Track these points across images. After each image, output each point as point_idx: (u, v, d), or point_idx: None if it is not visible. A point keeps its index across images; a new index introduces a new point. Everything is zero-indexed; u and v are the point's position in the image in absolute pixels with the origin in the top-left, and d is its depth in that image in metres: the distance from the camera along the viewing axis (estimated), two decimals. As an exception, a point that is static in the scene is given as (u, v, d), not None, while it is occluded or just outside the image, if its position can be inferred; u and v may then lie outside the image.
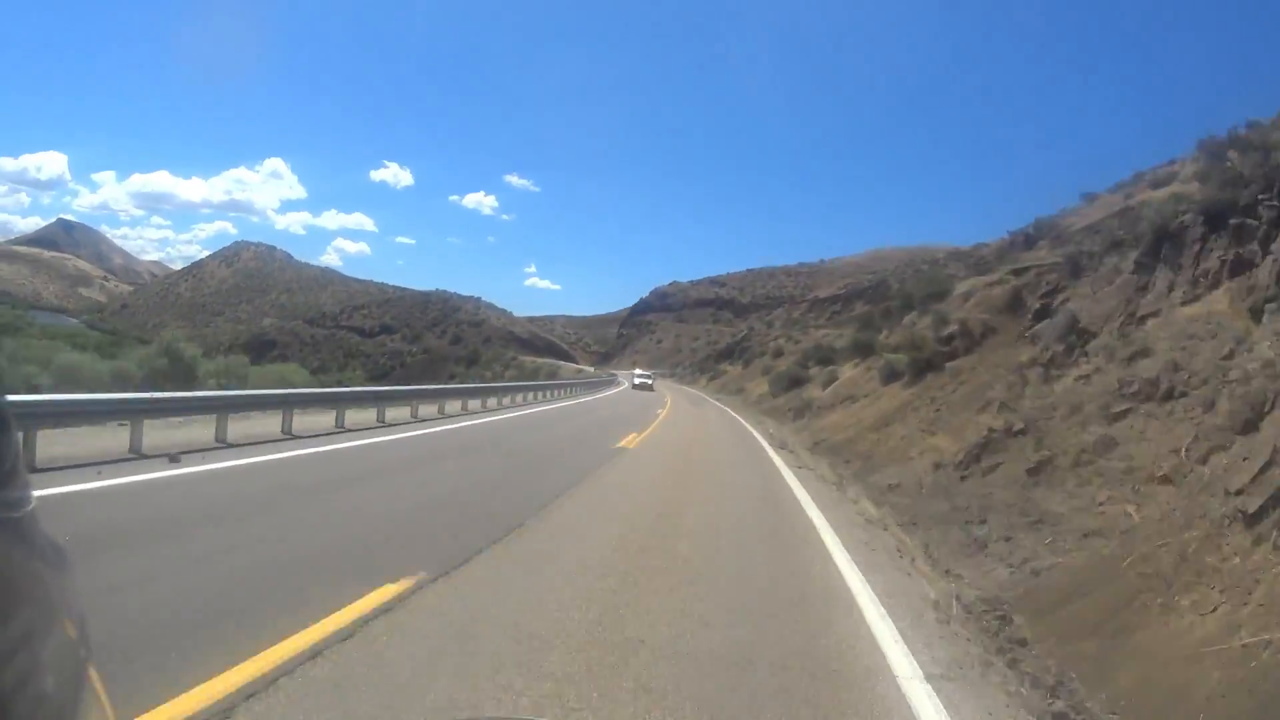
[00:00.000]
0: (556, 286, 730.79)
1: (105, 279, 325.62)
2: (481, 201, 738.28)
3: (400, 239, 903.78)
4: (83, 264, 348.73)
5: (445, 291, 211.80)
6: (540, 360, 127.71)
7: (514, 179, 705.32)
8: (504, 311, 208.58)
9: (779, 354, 64.72)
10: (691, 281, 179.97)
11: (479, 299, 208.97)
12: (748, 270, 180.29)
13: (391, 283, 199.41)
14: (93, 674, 0.86)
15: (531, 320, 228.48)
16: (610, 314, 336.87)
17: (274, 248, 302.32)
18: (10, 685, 0.67)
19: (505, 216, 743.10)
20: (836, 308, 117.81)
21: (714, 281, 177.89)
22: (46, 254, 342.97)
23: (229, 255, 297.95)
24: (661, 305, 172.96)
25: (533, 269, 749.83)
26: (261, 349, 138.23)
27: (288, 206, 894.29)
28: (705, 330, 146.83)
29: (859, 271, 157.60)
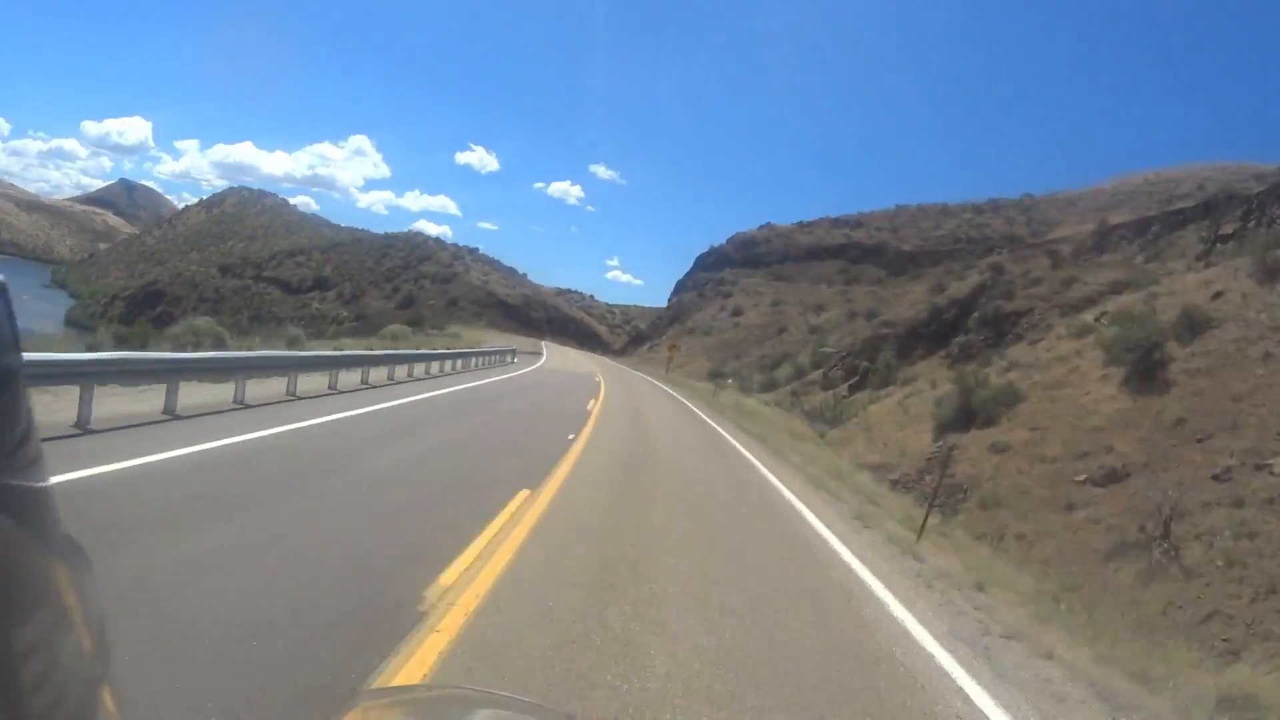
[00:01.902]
0: (639, 281, 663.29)
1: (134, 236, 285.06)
2: (567, 190, 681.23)
3: (483, 224, 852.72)
4: (113, 220, 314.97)
5: (420, 235, 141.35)
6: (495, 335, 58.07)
7: (600, 170, 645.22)
8: (510, 272, 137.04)
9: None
10: (799, 224, 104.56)
11: (469, 250, 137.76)
12: (897, 208, 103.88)
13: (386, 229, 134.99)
14: (106, 685, 0.85)
15: (564, 293, 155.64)
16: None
17: (266, 193, 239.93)
18: (28, 684, 0.67)
19: (589, 208, 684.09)
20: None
21: (840, 222, 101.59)
22: (79, 208, 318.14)
23: (214, 201, 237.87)
24: (746, 258, 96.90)
25: (615, 262, 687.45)
26: (147, 303, 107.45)
27: (371, 185, 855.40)
28: (836, 294, 69.77)
29: (1125, 198, 78.87)
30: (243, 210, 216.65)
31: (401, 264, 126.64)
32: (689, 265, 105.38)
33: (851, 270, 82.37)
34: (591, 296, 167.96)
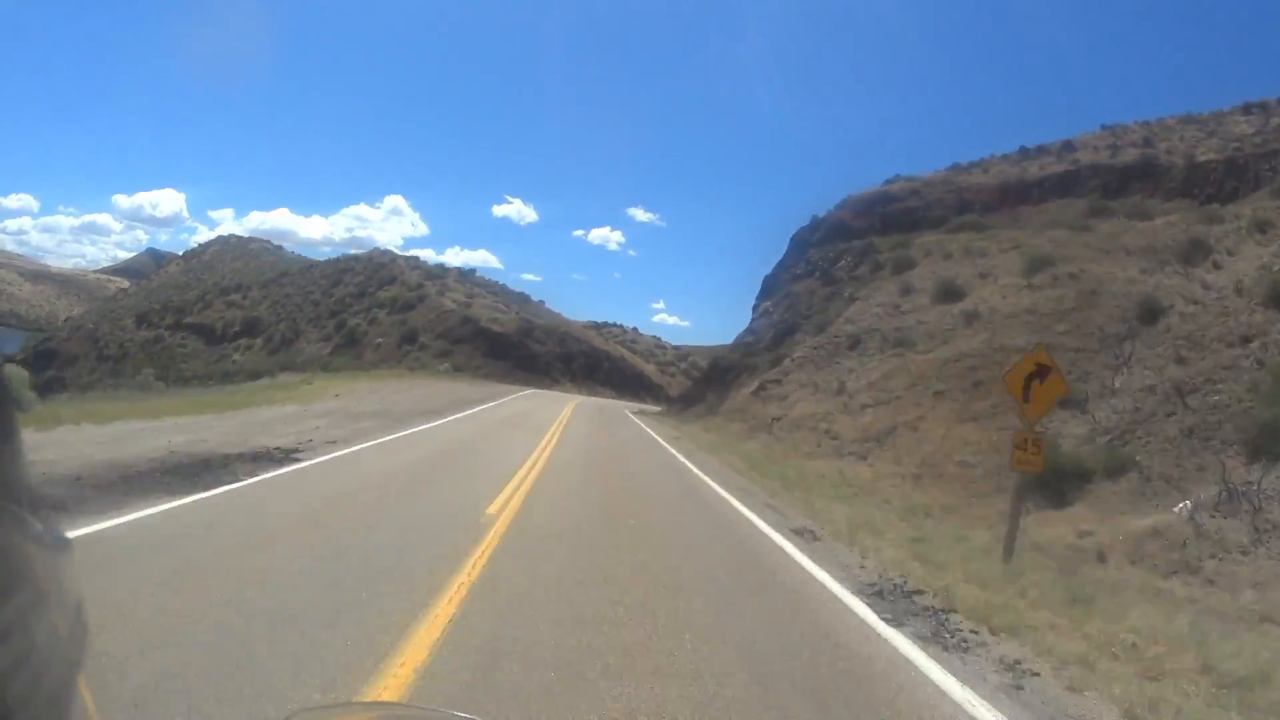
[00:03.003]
0: (685, 323, 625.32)
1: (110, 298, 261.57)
2: (606, 236, 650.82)
3: (526, 275, 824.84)
4: (125, 285, 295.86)
5: (386, 253, 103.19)
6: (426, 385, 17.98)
7: (639, 212, 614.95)
8: (520, 297, 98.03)
9: None
10: (954, 167, 63.62)
11: (458, 270, 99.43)
12: (1104, 128, 62.70)
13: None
14: (81, 674, 0.86)
15: (600, 327, 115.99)
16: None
17: (255, 239, 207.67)
18: (5, 667, 0.66)
19: (631, 252, 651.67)
20: None
21: (1033, 153, 60.69)
22: (91, 276, 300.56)
23: (193, 253, 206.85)
24: (882, 221, 56.13)
25: (660, 304, 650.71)
26: (39, 364, 74.68)
27: (411, 244, 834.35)
28: (1142, 236, 27.90)
29: None
30: (220, 257, 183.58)
31: (356, 292, 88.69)
32: (752, 293, 65.38)
33: (1112, 204, 40.98)
34: (635, 329, 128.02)
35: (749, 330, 56.44)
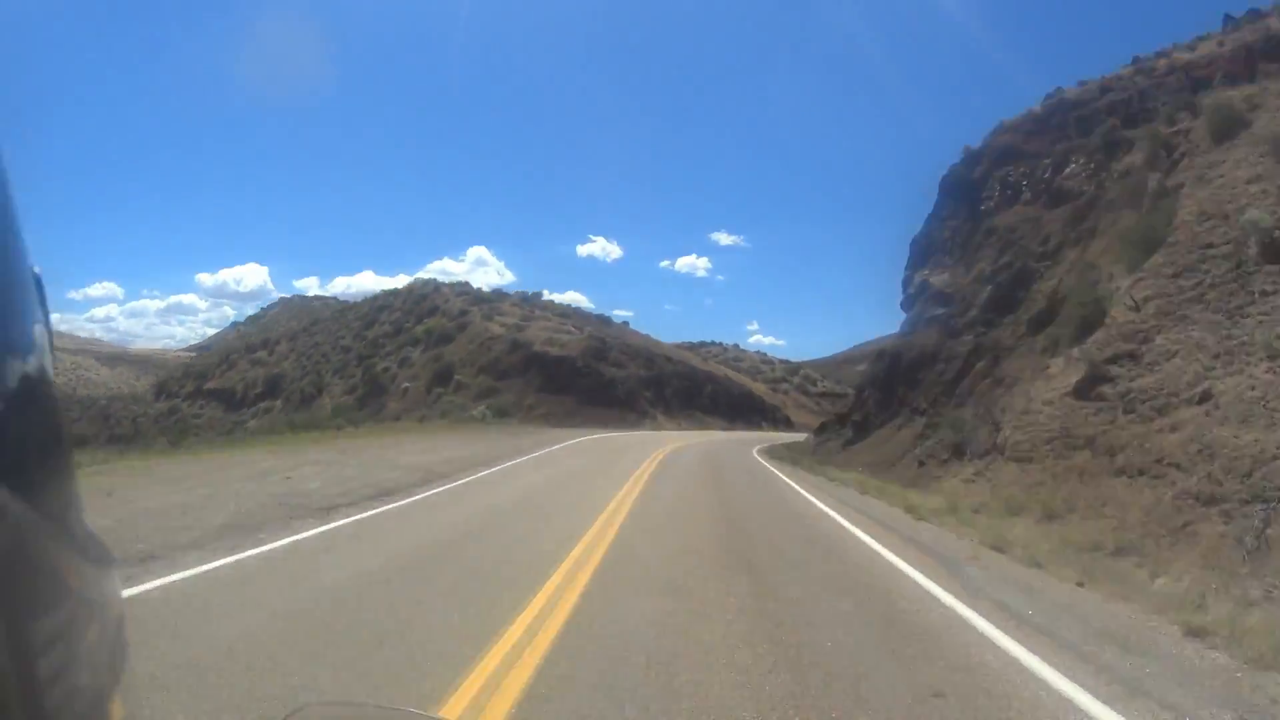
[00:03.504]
0: (781, 342, 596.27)
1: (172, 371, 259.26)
2: (694, 264, 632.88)
3: (618, 312, 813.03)
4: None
5: (431, 283, 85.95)
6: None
7: (722, 236, 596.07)
8: (594, 320, 79.79)
9: None
10: (1172, 48, 44.30)
11: (498, 292, 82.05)
12: None
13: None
14: (120, 684, 0.86)
15: (697, 347, 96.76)
16: (858, 345, 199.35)
17: (321, 298, 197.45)
18: (45, 677, 0.66)
19: (719, 277, 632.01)
20: None
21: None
22: (171, 354, 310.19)
23: (257, 316, 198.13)
24: (1090, 121, 36.00)
25: (754, 326, 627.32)
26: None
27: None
28: None
29: None
30: (278, 319, 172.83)
31: (391, 331, 72.21)
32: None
33: None
34: (736, 346, 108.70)
35: (918, 314, 36.75)
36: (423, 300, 76.50)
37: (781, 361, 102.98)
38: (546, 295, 79.35)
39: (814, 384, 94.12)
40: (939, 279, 37.21)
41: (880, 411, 28.66)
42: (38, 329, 0.72)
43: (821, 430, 38.18)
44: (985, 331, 23.79)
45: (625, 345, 61.02)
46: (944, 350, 26.65)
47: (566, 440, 28.93)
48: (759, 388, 78.85)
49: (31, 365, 0.70)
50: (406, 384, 54.00)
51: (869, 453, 24.86)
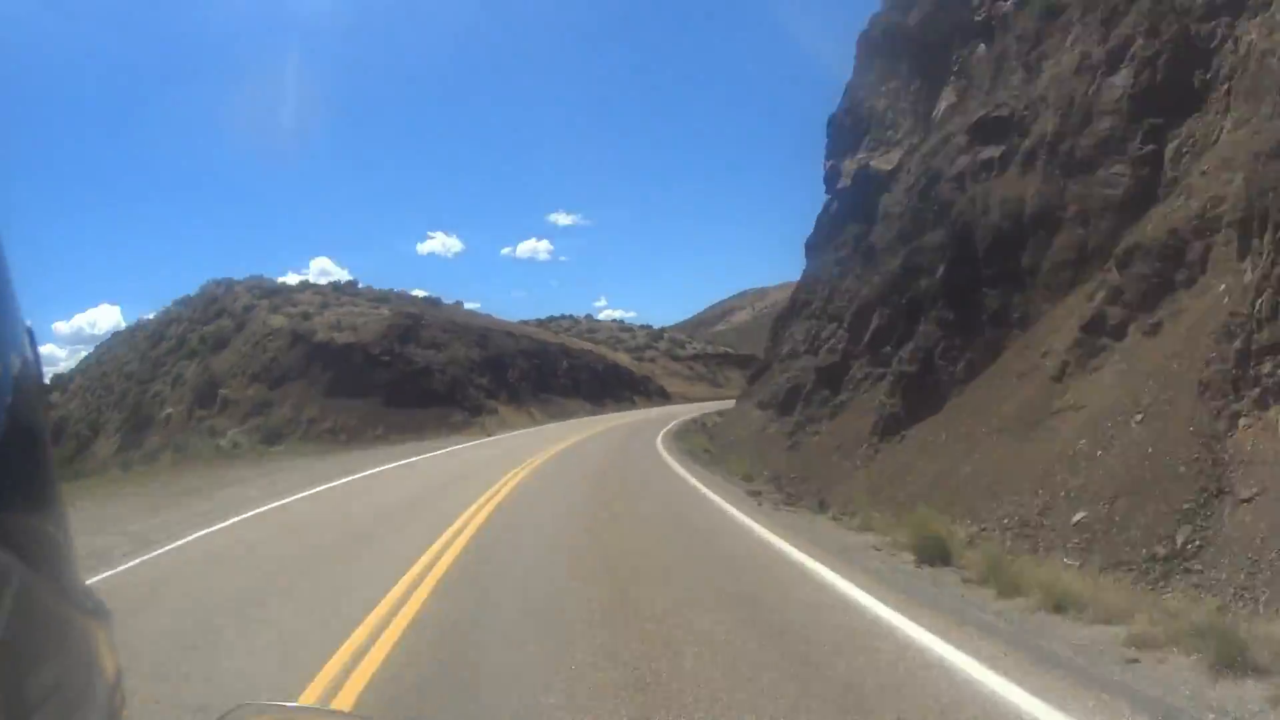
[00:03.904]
0: (632, 313, 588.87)
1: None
2: (535, 248, 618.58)
3: (467, 305, 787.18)
4: None
5: (224, 281, 70.34)
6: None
7: (560, 217, 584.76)
8: (408, 298, 67.32)
9: None
10: None
11: (305, 284, 68.41)
12: None
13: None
14: None
15: (545, 323, 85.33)
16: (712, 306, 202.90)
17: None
18: None
19: (562, 258, 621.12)
20: None
21: None
22: None
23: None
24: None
25: (603, 302, 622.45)
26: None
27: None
28: None
29: None
30: (117, 357, 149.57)
31: (175, 344, 57.62)
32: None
33: None
34: (588, 317, 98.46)
35: (833, 258, 27.54)
36: (213, 303, 62.28)
37: (642, 328, 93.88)
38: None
39: (682, 347, 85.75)
40: (881, 161, 28.27)
41: (953, 343, 16.74)
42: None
43: (752, 395, 28.27)
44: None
45: (448, 322, 49.73)
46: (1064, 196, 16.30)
47: (300, 490, 16.48)
48: (622, 358, 69.45)
49: (22, 415, 0.68)
50: (170, 410, 41.12)
51: (962, 455, 14.05)
